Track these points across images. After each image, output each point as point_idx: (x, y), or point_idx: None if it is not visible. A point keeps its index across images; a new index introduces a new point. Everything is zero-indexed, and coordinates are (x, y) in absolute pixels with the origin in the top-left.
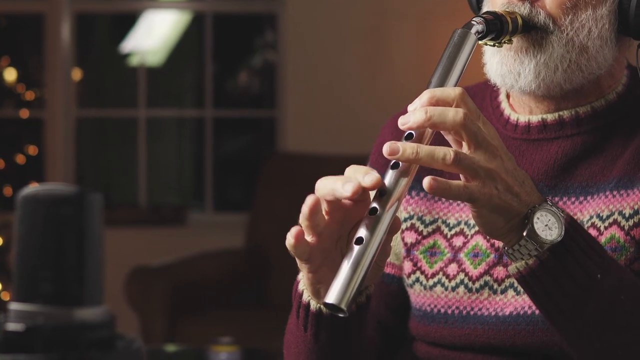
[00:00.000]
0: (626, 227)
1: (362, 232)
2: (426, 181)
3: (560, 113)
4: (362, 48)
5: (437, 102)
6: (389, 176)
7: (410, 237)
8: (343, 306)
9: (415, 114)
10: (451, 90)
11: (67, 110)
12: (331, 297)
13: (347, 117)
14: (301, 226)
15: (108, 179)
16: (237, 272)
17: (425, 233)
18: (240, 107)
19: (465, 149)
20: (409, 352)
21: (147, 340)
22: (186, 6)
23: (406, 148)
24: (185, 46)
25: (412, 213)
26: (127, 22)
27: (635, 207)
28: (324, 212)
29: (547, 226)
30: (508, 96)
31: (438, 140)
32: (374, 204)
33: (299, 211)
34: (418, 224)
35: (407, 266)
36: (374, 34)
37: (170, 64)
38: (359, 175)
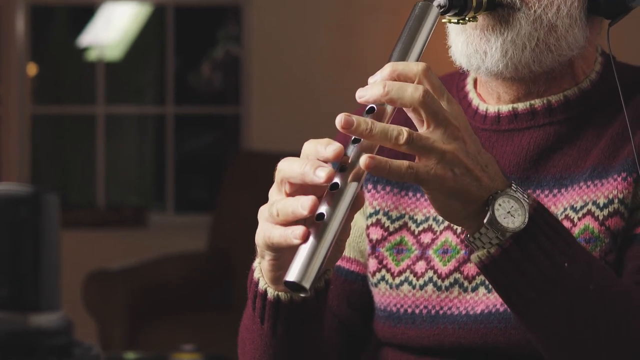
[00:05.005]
0: (600, 217)
1: (323, 208)
2: (363, 159)
3: (532, 102)
4: (331, 41)
5: (398, 77)
6: (351, 150)
7: (376, 234)
8: (305, 284)
9: (373, 88)
10: (414, 65)
11: (22, 107)
12: (292, 275)
13: (315, 114)
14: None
15: (65, 178)
16: (200, 276)
17: (391, 229)
18: (203, 103)
19: (424, 127)
20: (374, 358)
21: (105, 348)
22: None
23: (360, 122)
24: (146, 40)
25: (377, 208)
26: (84, 14)
27: (610, 197)
28: (283, 194)
29: (509, 213)
30: (475, 85)
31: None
32: (336, 179)
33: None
34: (384, 219)
35: (372, 264)
36: (343, 27)
37: (130, 59)
38: (320, 147)
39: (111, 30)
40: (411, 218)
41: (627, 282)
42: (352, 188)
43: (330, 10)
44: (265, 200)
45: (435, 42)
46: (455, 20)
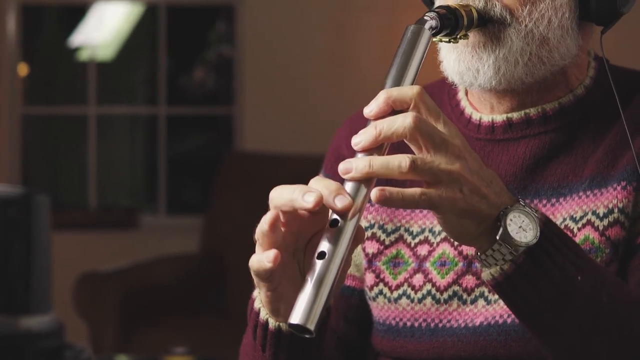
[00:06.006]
0: (600, 228)
1: (324, 246)
2: (374, 193)
3: (527, 111)
4: (324, 42)
5: (394, 103)
6: (349, 185)
7: (372, 247)
8: (310, 326)
9: (365, 133)
10: (408, 89)
11: (13, 107)
12: (296, 317)
13: (308, 114)
14: (256, 241)
15: (56, 179)
16: (192, 278)
17: (387, 242)
18: (196, 104)
19: (424, 153)
20: None
21: (97, 350)
22: None
23: (358, 164)
24: (138, 40)
25: (372, 222)
26: (76, 14)
27: (610, 206)
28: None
29: (521, 228)
30: (467, 93)
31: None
32: (335, 215)
33: (257, 214)
34: (379, 233)
35: (369, 278)
36: (337, 28)
37: (122, 59)
38: (324, 190)
39: (103, 30)
40: (407, 230)
41: (634, 291)
42: (352, 224)
43: (324, 10)
44: (259, 200)
45: (427, 54)
46: (447, 40)
